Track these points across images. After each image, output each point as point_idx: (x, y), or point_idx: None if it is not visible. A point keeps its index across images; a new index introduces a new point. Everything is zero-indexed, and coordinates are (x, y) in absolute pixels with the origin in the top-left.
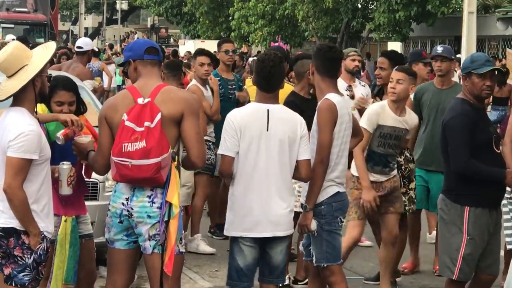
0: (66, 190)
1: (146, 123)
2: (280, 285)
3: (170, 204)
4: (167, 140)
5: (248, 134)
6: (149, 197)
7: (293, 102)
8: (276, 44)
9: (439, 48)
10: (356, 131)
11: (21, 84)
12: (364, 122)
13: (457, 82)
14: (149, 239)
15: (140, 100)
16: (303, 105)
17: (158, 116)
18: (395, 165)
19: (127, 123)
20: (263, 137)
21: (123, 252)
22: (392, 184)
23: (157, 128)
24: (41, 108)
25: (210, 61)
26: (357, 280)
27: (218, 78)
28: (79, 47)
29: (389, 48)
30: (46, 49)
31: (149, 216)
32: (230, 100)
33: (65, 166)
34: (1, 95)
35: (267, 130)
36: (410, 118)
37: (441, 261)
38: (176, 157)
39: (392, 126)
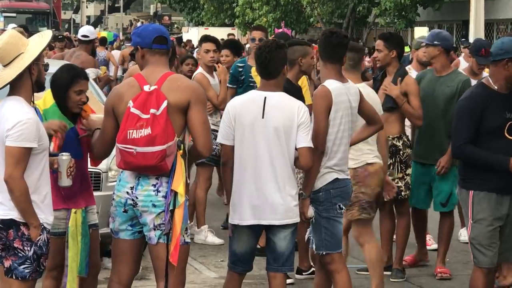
0: (66, 181)
1: (152, 110)
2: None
3: (176, 193)
4: (172, 128)
5: (243, 121)
6: (154, 185)
7: (285, 89)
8: (280, 30)
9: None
10: (372, 120)
11: (17, 72)
12: None
13: (457, 69)
14: (154, 229)
15: (146, 88)
16: (297, 93)
17: (164, 104)
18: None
19: (132, 110)
20: (259, 125)
21: (127, 243)
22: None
23: (163, 115)
24: (49, 97)
25: (216, 47)
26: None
27: (243, 65)
28: (84, 36)
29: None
30: (42, 37)
31: (154, 205)
32: (252, 87)
33: (65, 157)
34: None
35: (263, 117)
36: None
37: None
38: (182, 145)
39: None
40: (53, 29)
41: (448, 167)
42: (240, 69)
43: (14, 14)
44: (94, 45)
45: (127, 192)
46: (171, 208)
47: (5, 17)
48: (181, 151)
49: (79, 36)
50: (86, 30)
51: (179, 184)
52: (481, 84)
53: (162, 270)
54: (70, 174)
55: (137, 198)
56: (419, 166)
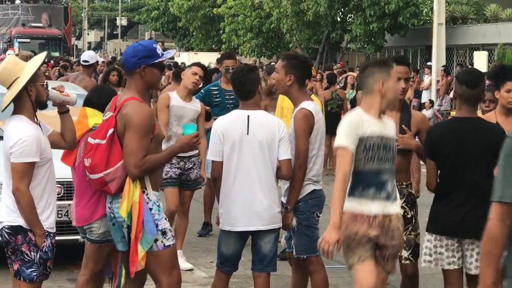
0: (73, 99)
1: (96, 140)
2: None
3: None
4: (117, 154)
5: (230, 138)
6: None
7: None
8: None
9: None
10: None
11: (12, 95)
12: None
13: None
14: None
15: (105, 115)
16: None
17: (110, 132)
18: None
19: (88, 139)
20: (244, 140)
21: (124, 254)
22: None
23: (106, 144)
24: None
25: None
26: (340, 269)
27: (217, 88)
28: (85, 61)
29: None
30: (36, 60)
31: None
32: (228, 109)
33: (52, 91)
34: (1, 106)
35: (248, 133)
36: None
37: None
38: None
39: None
40: (64, 54)
41: None
42: (216, 92)
43: (28, 40)
44: (96, 67)
45: (109, 207)
46: (125, 225)
47: (19, 42)
48: None
49: (81, 61)
50: (86, 56)
51: (121, 206)
52: None
53: (153, 276)
54: (67, 94)
55: (114, 211)
56: None
